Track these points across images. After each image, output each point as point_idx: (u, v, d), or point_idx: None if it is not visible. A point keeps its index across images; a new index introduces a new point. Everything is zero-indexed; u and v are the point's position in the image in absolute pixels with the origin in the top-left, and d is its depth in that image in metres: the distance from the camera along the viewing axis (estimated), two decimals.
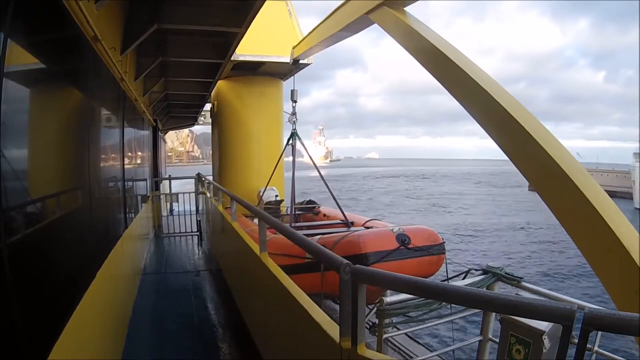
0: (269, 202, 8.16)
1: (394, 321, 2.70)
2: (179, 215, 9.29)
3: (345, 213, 6.82)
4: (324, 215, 7.90)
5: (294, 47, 7.35)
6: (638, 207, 37.17)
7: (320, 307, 2.10)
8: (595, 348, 2.17)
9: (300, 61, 7.72)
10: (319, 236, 5.21)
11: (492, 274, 2.97)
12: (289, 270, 3.01)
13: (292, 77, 8.64)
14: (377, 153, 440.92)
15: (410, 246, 4.62)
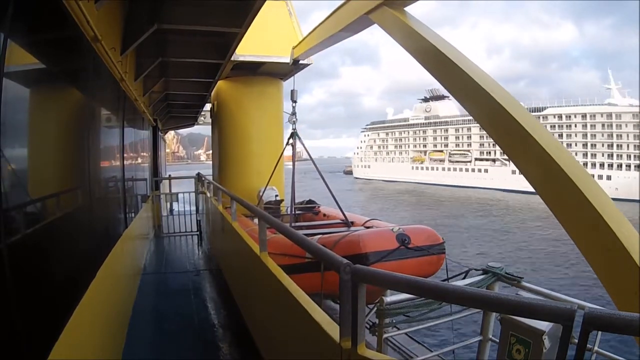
0: (269, 202, 8.16)
1: (394, 321, 2.70)
2: (179, 215, 9.29)
3: (345, 213, 6.82)
4: (324, 215, 7.91)
5: (294, 47, 7.36)
6: (355, 176, 78.44)
7: (320, 307, 2.09)
8: (595, 348, 2.17)
9: (300, 61, 7.72)
10: (319, 236, 5.22)
11: (492, 274, 2.98)
12: (289, 270, 3.01)
13: (292, 77, 8.65)
14: (352, 152, 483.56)
15: (410, 246, 4.63)
